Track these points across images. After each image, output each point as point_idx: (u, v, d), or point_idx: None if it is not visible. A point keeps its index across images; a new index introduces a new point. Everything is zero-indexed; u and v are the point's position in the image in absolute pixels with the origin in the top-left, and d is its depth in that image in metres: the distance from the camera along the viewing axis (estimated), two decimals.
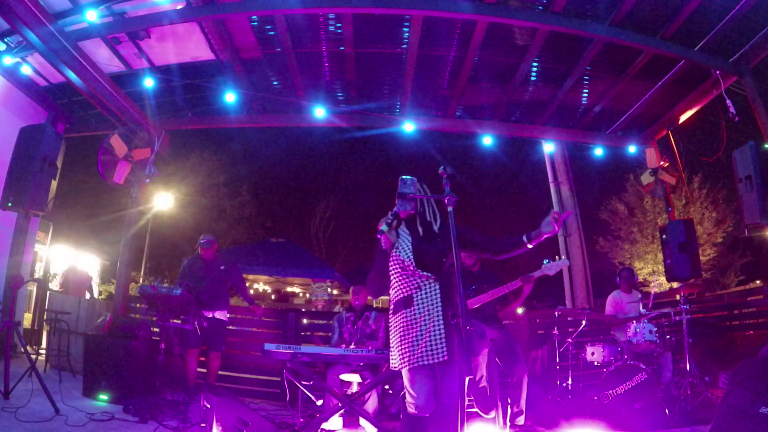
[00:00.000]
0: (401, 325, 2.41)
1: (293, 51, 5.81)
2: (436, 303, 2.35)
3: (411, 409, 2.40)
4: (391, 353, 2.50)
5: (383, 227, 2.34)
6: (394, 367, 2.46)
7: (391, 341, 2.50)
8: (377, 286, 2.60)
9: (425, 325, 2.34)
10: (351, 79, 6.36)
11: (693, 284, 5.76)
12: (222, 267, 4.90)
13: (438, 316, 2.33)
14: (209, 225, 18.40)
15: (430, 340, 2.31)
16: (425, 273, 2.38)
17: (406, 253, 2.43)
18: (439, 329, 2.32)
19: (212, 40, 5.72)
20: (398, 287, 2.45)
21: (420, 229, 2.52)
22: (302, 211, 27.36)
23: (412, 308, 2.38)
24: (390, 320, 2.52)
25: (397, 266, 2.46)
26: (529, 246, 2.44)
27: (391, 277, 2.50)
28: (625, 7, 4.97)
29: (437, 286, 2.37)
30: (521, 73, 6.13)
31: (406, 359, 2.35)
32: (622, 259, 15.83)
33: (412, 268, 2.40)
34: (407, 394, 2.42)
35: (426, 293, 2.38)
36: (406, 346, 2.36)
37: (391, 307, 2.52)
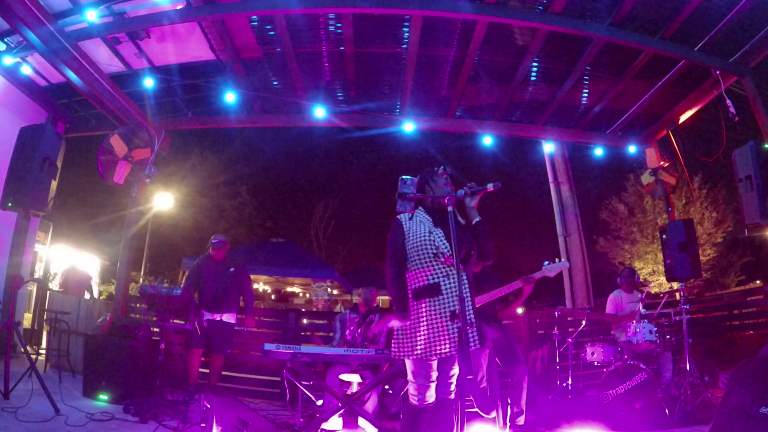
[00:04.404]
0: (425, 312, 2.37)
1: (293, 51, 5.81)
2: (466, 292, 2.35)
3: (414, 401, 2.39)
4: (403, 340, 2.43)
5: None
6: (410, 357, 2.39)
7: (407, 330, 2.42)
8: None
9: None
10: (351, 79, 6.36)
11: (693, 284, 5.77)
12: (232, 269, 4.85)
13: (468, 305, 2.32)
14: (209, 225, 18.43)
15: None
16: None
17: (442, 240, 2.44)
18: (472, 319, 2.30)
19: (212, 40, 5.72)
20: (423, 274, 2.43)
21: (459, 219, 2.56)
22: (302, 211, 27.36)
23: (440, 296, 2.36)
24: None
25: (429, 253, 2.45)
26: None
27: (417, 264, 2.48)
28: (625, 7, 4.97)
29: (464, 276, 2.38)
30: (521, 73, 6.13)
31: (432, 349, 2.30)
32: (622, 259, 15.83)
33: (446, 255, 2.40)
34: (414, 386, 2.39)
35: (455, 282, 2.36)
36: (435, 335, 2.32)
37: (409, 294, 2.47)
